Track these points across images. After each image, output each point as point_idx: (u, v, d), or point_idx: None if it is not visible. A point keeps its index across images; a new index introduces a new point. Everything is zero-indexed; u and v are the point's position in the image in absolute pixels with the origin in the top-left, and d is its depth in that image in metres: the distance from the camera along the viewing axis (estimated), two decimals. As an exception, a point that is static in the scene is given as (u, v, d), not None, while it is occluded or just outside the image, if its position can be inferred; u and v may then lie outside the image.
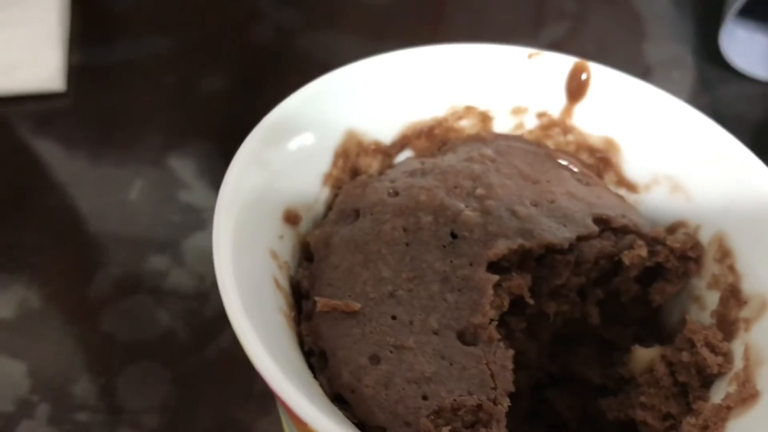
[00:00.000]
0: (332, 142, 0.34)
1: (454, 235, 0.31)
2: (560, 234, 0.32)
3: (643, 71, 0.65)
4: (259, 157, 0.31)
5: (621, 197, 0.36)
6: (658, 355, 0.32)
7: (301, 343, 0.30)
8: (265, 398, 0.45)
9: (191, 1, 0.69)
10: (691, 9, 0.70)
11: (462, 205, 0.31)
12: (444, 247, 0.30)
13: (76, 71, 0.62)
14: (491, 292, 0.30)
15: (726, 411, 0.28)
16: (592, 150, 0.37)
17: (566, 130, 0.37)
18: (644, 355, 0.33)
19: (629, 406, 0.33)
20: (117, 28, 0.67)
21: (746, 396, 0.28)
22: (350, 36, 0.67)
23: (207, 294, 0.49)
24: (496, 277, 0.30)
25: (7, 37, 0.61)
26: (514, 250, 0.31)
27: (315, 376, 0.29)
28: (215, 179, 0.55)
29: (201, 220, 0.53)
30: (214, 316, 0.48)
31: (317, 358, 0.30)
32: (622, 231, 0.33)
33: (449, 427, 0.27)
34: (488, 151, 0.34)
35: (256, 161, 0.31)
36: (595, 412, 0.35)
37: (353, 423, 0.28)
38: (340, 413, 0.27)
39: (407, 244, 0.31)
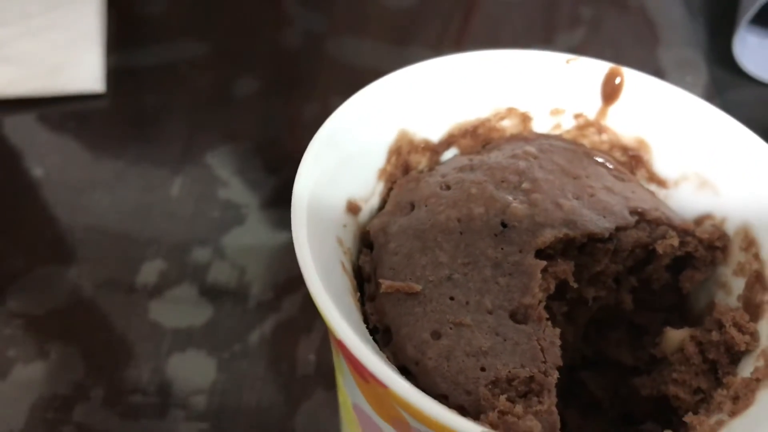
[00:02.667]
0: (387, 139, 0.36)
1: (504, 225, 0.33)
2: (601, 224, 0.34)
3: (657, 75, 0.68)
4: (331, 142, 0.34)
5: (652, 192, 0.38)
6: (689, 336, 0.34)
7: (366, 322, 0.32)
8: (307, 382, 0.47)
9: (221, 7, 0.72)
10: (704, 15, 0.73)
11: (510, 198, 0.34)
12: (495, 235, 0.33)
13: (113, 73, 0.64)
14: (539, 276, 0.32)
15: (755, 383, 0.30)
16: (624, 148, 0.39)
17: (601, 130, 0.39)
18: (675, 335, 0.35)
19: (662, 382, 0.35)
20: (151, 32, 0.69)
21: None
22: (374, 40, 0.70)
23: (248, 285, 0.52)
24: (543, 263, 0.32)
25: (49, 40, 0.63)
26: (560, 239, 0.33)
27: (383, 348, 0.32)
28: (251, 176, 0.58)
29: (240, 216, 0.56)
30: (256, 306, 0.51)
31: (381, 335, 0.33)
32: (656, 222, 0.35)
33: (505, 396, 0.29)
34: (531, 149, 0.36)
35: (329, 145, 0.34)
36: (626, 392, 0.38)
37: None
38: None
39: (461, 233, 0.33)
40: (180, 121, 0.62)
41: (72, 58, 0.63)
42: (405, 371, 0.31)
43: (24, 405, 0.46)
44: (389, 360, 0.31)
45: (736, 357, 0.33)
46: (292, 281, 0.52)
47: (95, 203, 0.56)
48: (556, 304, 0.36)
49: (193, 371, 0.48)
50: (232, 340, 0.49)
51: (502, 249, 0.33)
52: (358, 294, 0.33)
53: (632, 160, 0.39)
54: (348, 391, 0.33)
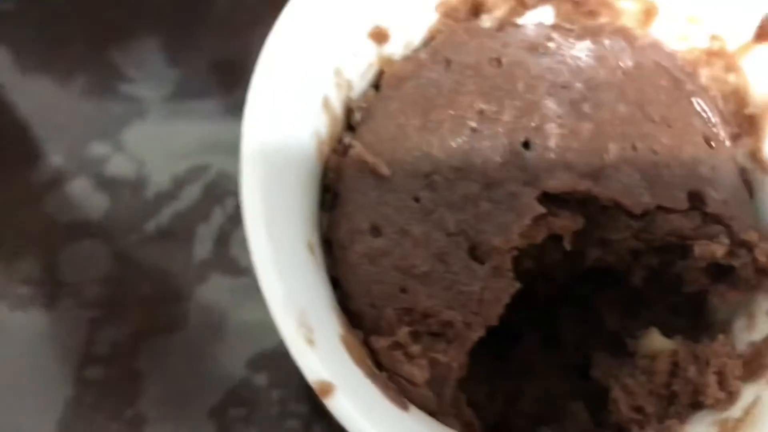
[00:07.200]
0: None
1: (526, 145, 0.27)
2: (637, 197, 0.27)
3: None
4: None
5: (743, 170, 0.31)
6: (669, 350, 0.29)
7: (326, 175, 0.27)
8: (204, 268, 0.48)
9: None
10: None
11: (555, 114, 0.27)
12: (509, 152, 0.27)
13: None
14: (528, 222, 0.26)
15: None
16: (743, 103, 0.31)
17: (731, 68, 0.32)
18: (656, 342, 0.30)
19: (612, 376, 0.30)
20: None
21: None
22: None
23: (147, 177, 0.50)
24: (541, 210, 0.26)
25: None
26: (579, 191, 0.27)
27: (321, 210, 0.28)
28: (156, 72, 0.58)
29: (142, 111, 0.53)
30: (154, 196, 0.48)
31: (331, 197, 0.28)
32: (713, 219, 0.28)
33: (410, 329, 0.26)
34: (628, 63, 0.29)
35: None
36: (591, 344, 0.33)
37: (330, 275, 0.27)
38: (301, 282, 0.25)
39: (473, 130, 0.27)
40: (84, 19, 0.61)
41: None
42: (330, 245, 0.28)
43: None
44: (322, 226, 0.28)
45: (698, 405, 0.28)
46: (192, 171, 0.52)
47: (-2, 100, 0.56)
48: (551, 245, 0.29)
49: (87, 262, 0.47)
50: (128, 230, 0.48)
51: (507, 170, 0.26)
52: (333, 143, 0.28)
53: (744, 122, 0.32)
54: None
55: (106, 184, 0.52)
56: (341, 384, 0.22)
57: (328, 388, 0.22)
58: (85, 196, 0.52)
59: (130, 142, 0.55)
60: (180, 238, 0.50)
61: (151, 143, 0.55)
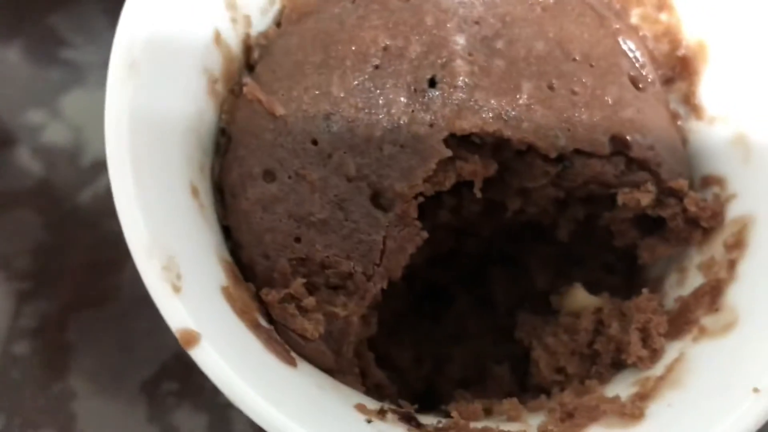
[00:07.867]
0: None
1: (432, 83, 0.25)
2: (551, 138, 0.26)
3: None
4: None
5: (676, 116, 0.29)
6: (594, 307, 0.28)
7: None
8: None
9: None
10: None
11: (463, 50, 0.25)
12: (414, 91, 0.25)
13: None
14: (434, 167, 0.25)
15: (599, 412, 0.24)
16: (676, 44, 0.29)
17: (663, 6, 0.30)
18: (580, 298, 0.29)
19: (535, 336, 0.28)
20: None
21: (629, 414, 0.24)
22: None
23: (84, 144, 0.50)
24: (448, 153, 0.25)
25: None
26: (487, 133, 0.25)
27: (216, 154, 0.27)
28: (98, 37, 0.56)
29: (81, 77, 0.53)
30: (91, 164, 0.49)
31: (225, 140, 0.27)
32: (639, 165, 0.27)
33: (305, 280, 0.25)
34: None
35: None
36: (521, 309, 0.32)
37: (222, 225, 0.26)
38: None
39: (376, 67, 0.25)
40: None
41: None
42: (222, 191, 0.27)
43: None
44: (213, 171, 0.27)
45: (620, 364, 0.27)
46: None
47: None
48: (469, 198, 0.28)
49: (18, 232, 0.46)
50: (63, 199, 0.48)
51: (411, 111, 0.25)
52: (228, 83, 0.27)
53: (678, 65, 0.30)
54: None
55: (42, 152, 0.51)
56: (211, 334, 0.20)
57: (192, 338, 0.20)
58: (20, 164, 0.50)
59: (68, 110, 0.53)
60: (116, 209, 0.49)
61: (90, 110, 0.53)
